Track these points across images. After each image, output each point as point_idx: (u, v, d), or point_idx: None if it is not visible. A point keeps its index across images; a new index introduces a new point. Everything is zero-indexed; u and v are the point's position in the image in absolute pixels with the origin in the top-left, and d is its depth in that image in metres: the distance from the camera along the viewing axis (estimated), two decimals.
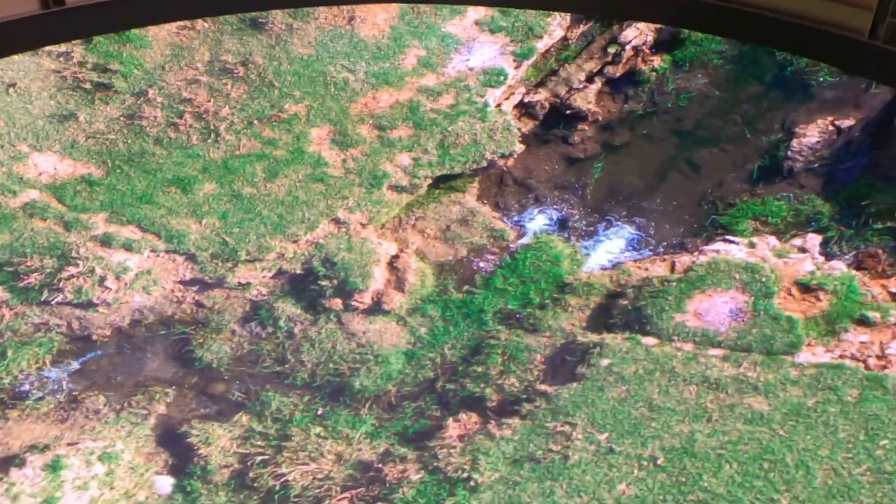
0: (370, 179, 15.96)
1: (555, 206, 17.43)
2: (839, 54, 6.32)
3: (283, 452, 12.88)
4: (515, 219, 17.11)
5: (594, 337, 14.13)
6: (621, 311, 14.62)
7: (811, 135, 17.46)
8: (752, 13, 6.32)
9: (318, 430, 12.95)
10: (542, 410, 12.68)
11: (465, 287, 15.45)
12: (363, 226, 15.62)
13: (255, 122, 15.86)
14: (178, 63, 16.22)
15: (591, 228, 17.07)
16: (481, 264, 15.95)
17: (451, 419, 12.89)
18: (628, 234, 17.01)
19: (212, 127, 15.76)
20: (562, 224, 17.09)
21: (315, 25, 16.70)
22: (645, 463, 11.81)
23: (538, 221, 17.08)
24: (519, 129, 18.02)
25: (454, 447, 12.15)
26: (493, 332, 14.50)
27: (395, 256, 15.53)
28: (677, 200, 17.61)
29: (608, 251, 16.63)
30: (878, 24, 5.64)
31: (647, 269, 15.75)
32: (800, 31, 6.17)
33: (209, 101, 15.84)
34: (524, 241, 16.49)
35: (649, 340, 13.82)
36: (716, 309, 14.23)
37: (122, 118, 15.68)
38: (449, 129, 16.58)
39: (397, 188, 16.07)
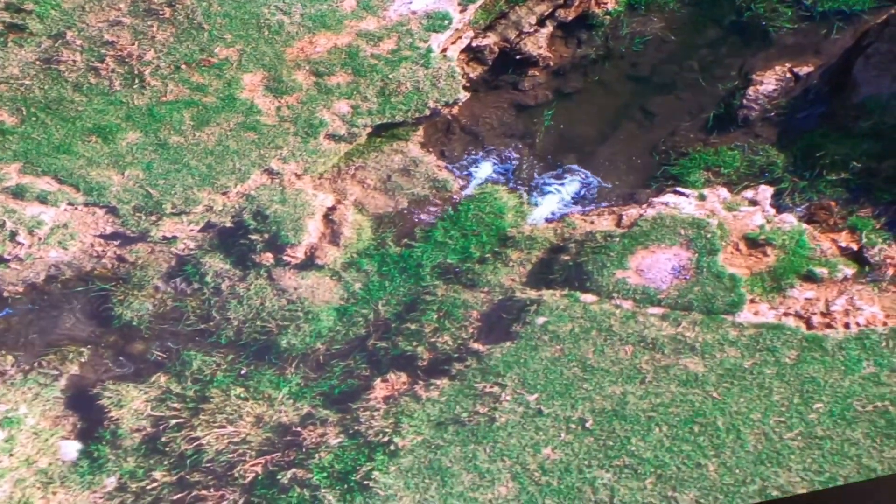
0: (306, 128, 15.00)
1: (502, 156, 16.57)
2: None
3: (199, 415, 12.25)
4: (461, 168, 16.25)
5: (533, 293, 13.45)
6: (562, 266, 13.91)
7: (768, 82, 16.57)
8: None
9: (240, 391, 12.31)
10: (473, 370, 12.04)
11: (404, 240, 14.67)
12: (298, 176, 14.73)
13: (183, 66, 14.78)
14: (100, 2, 15.02)
15: (540, 178, 16.25)
16: (422, 216, 15.15)
17: (378, 379, 12.25)
18: (577, 184, 16.21)
19: (136, 72, 14.67)
20: (509, 174, 16.26)
21: None
22: (573, 426, 11.23)
23: (484, 171, 16.23)
24: (467, 75, 17.03)
25: (378, 409, 11.52)
26: (430, 288, 13.79)
27: (332, 208, 14.69)
28: (629, 150, 16.77)
29: (555, 202, 15.85)
30: None
31: (592, 223, 15.00)
32: None
33: (133, 44, 14.73)
34: (468, 191, 15.67)
35: (588, 298, 13.15)
36: (658, 266, 13.54)
37: (37, 62, 14.57)
38: (390, 75, 15.57)
39: (335, 137, 15.14)
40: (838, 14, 16.57)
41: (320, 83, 15.32)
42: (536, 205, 15.69)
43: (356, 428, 11.42)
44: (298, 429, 11.76)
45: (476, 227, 14.79)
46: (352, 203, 14.83)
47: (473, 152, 16.50)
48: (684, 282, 13.24)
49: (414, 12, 16.17)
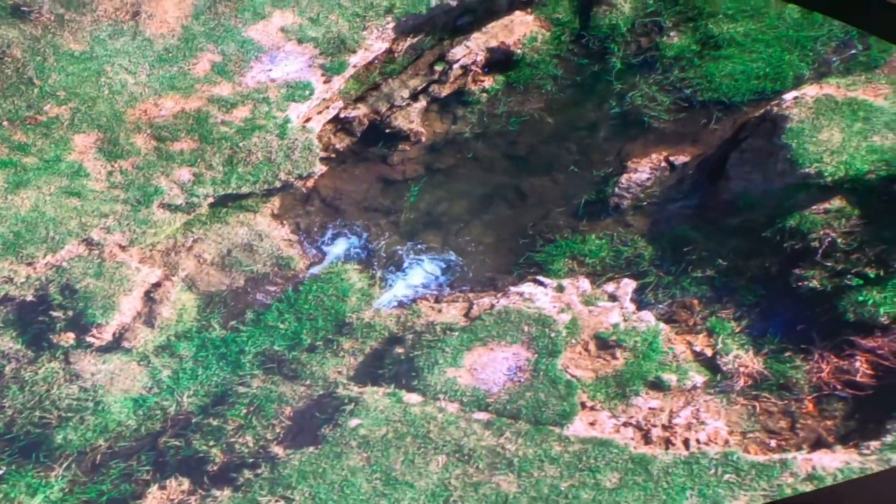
0: (138, 196, 13.57)
1: (362, 232, 15.22)
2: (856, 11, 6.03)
3: None
4: (314, 244, 14.86)
5: (355, 390, 11.94)
6: (394, 360, 12.45)
7: (642, 170, 15.47)
8: None
9: None
10: (262, 480, 10.44)
11: (232, 323, 13.16)
12: (123, 248, 13.23)
13: (6, 123, 13.38)
14: None
15: (397, 258, 14.89)
16: (259, 296, 13.67)
17: (155, 486, 10.62)
18: (436, 266, 14.87)
19: None
20: (365, 252, 14.89)
21: (91, 19, 14.25)
22: None
23: (339, 248, 14.84)
24: (333, 147, 15.79)
25: None
26: (247, 378, 12.23)
27: (156, 285, 13.17)
28: (498, 232, 15.51)
29: (409, 285, 14.47)
30: None
31: (440, 311, 13.60)
32: None
33: None
34: (316, 270, 14.25)
35: (412, 398, 11.67)
36: (494, 365, 12.13)
37: None
38: (240, 144, 14.25)
39: (171, 207, 13.70)
40: (718, 104, 15.62)
41: (161, 148, 13.95)
42: (388, 287, 14.29)
43: None
44: None
45: (314, 310, 13.33)
46: (181, 279, 13.33)
47: (331, 227, 15.14)
48: (518, 385, 11.81)
49: (273, 80, 14.94)
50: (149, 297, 12.89)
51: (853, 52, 15.22)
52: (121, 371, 11.96)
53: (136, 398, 11.73)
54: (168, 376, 12.07)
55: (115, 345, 12.26)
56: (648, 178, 15.32)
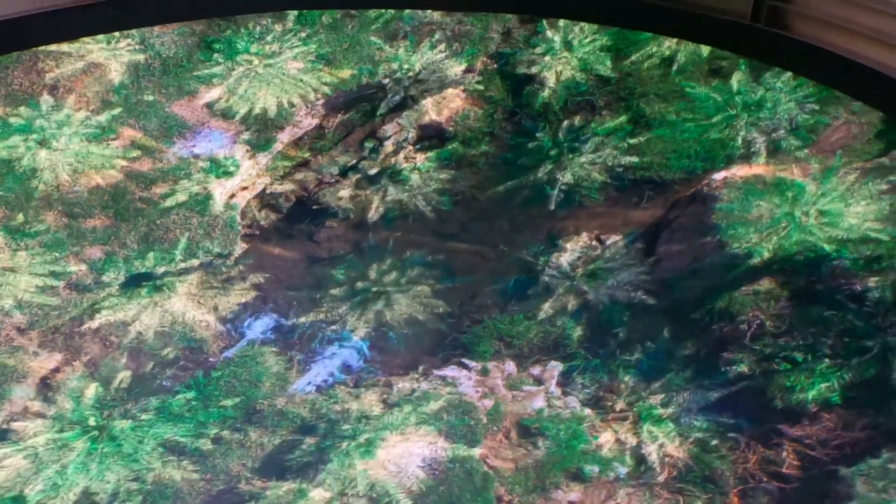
0: (45, 275, 12.87)
1: (283, 312, 14.56)
2: (724, 38, 6.49)
3: None
4: (232, 325, 14.15)
5: (258, 485, 11.11)
6: (304, 451, 11.67)
7: (573, 248, 15.11)
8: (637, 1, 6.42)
9: None
10: None
11: (135, 411, 12.32)
12: (21, 331, 12.44)
13: None
14: None
15: (318, 339, 14.21)
16: (166, 382, 12.88)
17: None
18: (357, 348, 14.20)
19: None
20: (284, 333, 14.20)
21: (6, 91, 13.79)
22: None
23: (257, 329, 14.15)
24: (258, 223, 15.27)
25: None
26: (142, 472, 11.36)
27: (55, 370, 12.36)
28: (424, 312, 14.93)
29: (328, 368, 13.75)
30: (759, 7, 5.74)
31: (357, 397, 12.89)
32: (685, 17, 6.24)
33: None
34: (230, 352, 13.51)
35: (319, 493, 10.87)
36: (408, 457, 11.40)
37: None
38: (158, 221, 13.70)
39: (78, 287, 13.01)
40: (649, 183, 15.42)
41: (73, 225, 13.34)
42: (305, 370, 13.57)
43: None
44: None
45: (224, 396, 12.56)
46: (83, 364, 12.54)
47: (251, 307, 14.47)
48: (432, 478, 11.07)
49: (196, 156, 14.51)
50: (45, 384, 12.07)
51: (782, 131, 15.18)
52: (3, 466, 11.05)
53: (16, 496, 10.80)
54: (56, 471, 11.17)
55: (1, 436, 11.39)
56: (579, 257, 14.94)
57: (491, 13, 15.61)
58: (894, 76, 5.57)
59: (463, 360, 13.59)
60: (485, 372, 13.13)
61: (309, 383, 13.32)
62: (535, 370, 13.36)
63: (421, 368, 13.72)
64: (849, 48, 5.68)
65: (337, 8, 14.80)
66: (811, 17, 5.83)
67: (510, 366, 13.38)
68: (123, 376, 12.62)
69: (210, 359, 13.24)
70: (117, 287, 13.31)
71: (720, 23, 6.22)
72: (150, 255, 13.47)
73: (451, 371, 13.24)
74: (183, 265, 13.65)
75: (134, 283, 13.57)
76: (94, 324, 13.11)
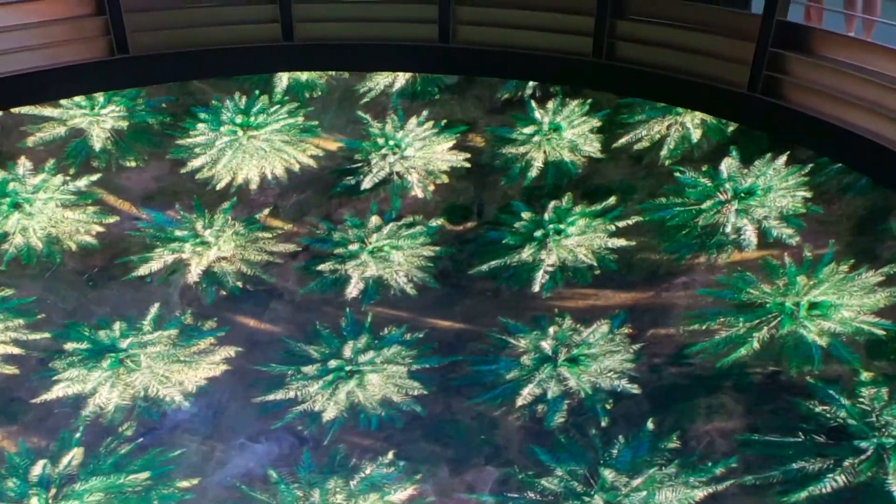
0: None
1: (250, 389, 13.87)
2: (722, 106, 6.64)
3: None
4: (196, 401, 13.42)
5: None
6: None
7: (556, 332, 14.50)
8: (637, 70, 6.57)
9: None
10: None
11: (85, 489, 11.52)
12: None
13: None
14: None
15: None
16: (121, 461, 12.09)
17: None
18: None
19: None
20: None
21: None
22: None
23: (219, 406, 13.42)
24: (234, 294, 14.74)
25: None
26: None
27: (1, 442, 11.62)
28: (399, 393, 14.23)
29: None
30: (756, 77, 5.86)
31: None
32: (684, 85, 6.42)
33: None
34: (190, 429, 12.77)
35: None
36: None
37: None
38: (129, 289, 13.21)
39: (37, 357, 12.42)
40: (637, 266, 14.98)
41: (40, 292, 12.85)
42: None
43: None
44: None
45: (182, 477, 11.77)
46: (34, 437, 11.80)
47: (220, 382, 13.79)
48: None
49: (174, 224, 14.12)
50: None
51: (773, 219, 14.72)
52: None
53: None
54: None
55: None
56: (563, 341, 14.33)
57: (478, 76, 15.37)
58: (886, 145, 5.52)
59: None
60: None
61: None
62: (469, 476, 12.54)
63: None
64: (842, 117, 5.72)
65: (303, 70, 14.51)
66: (806, 88, 5.91)
67: (443, 471, 12.57)
68: (76, 453, 11.88)
69: (168, 436, 12.51)
70: (79, 357, 12.70)
71: (719, 91, 6.31)
72: (117, 325, 12.90)
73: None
74: (150, 337, 13.06)
75: (97, 354, 12.97)
76: (51, 395, 12.46)
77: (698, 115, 15.60)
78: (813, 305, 13.53)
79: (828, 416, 12.04)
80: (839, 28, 6.29)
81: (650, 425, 12.63)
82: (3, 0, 6.28)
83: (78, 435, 12.00)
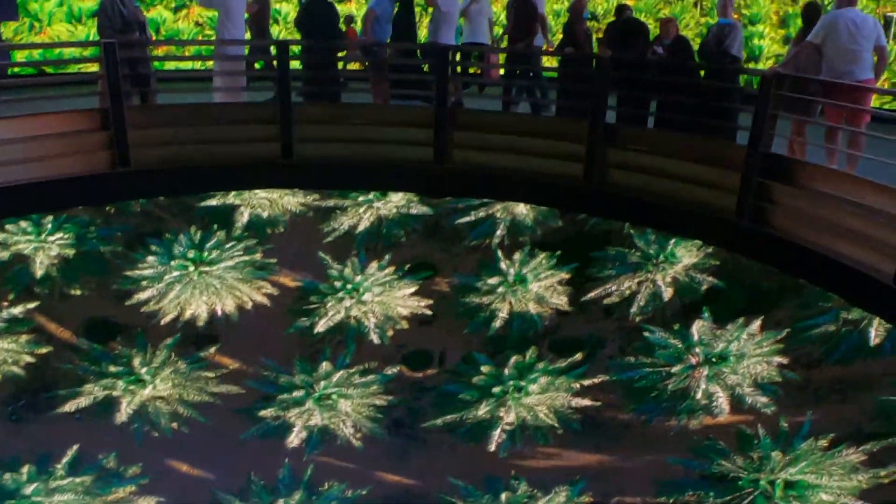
0: None
1: None
2: (710, 233, 6.75)
3: None
4: None
5: None
6: None
7: (511, 499, 13.12)
8: (624, 196, 6.57)
9: None
10: None
11: None
12: None
13: None
14: None
15: None
16: None
17: None
18: None
19: None
20: None
21: None
22: None
23: None
24: (167, 437, 13.53)
25: None
26: None
27: None
28: None
29: None
30: (744, 205, 5.93)
31: None
32: (672, 212, 6.42)
33: None
34: None
35: None
36: None
37: None
38: (49, 427, 12.10)
39: None
40: (602, 427, 13.83)
41: None
42: None
43: None
44: None
45: None
46: None
47: None
48: None
49: (111, 359, 13.18)
50: None
51: (747, 387, 13.66)
52: None
53: None
54: None
55: None
56: None
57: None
58: (874, 275, 5.46)
59: None
60: None
61: None
62: None
63: None
64: (829, 246, 5.73)
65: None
66: (793, 217, 5.98)
67: None
68: None
69: None
70: None
71: (706, 219, 6.35)
72: (25, 468, 11.69)
73: None
74: (60, 483, 11.79)
75: None
76: None
77: (670, 272, 14.94)
78: (789, 485, 12.24)
79: None
80: (824, 161, 6.32)
81: None
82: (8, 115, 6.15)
83: None
